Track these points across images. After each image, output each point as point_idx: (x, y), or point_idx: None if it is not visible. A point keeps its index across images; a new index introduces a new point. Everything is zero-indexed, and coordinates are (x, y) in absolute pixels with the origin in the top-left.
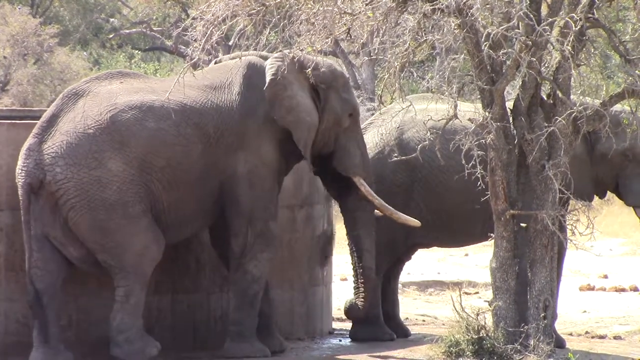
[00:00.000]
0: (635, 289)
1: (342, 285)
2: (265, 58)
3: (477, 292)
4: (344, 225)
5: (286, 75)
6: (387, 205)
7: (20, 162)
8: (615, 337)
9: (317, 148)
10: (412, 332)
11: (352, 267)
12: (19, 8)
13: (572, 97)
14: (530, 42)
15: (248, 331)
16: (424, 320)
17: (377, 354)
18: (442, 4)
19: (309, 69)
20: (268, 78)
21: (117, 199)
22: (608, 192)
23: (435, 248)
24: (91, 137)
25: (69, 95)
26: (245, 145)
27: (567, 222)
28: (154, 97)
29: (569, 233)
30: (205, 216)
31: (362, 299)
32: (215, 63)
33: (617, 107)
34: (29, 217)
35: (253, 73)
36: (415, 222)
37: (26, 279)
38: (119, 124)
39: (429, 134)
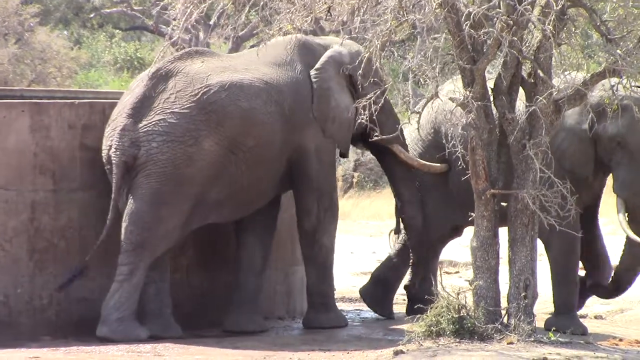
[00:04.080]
0: None
1: None
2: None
3: (457, 272)
4: None
5: (330, 84)
6: (426, 163)
7: (114, 142)
8: (596, 317)
9: (357, 132)
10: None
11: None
12: None
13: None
14: (511, 22)
15: (330, 301)
16: (404, 300)
17: (356, 333)
18: None
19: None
20: (315, 93)
21: (192, 175)
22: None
23: None
24: (188, 116)
25: (156, 76)
26: (312, 122)
27: (547, 202)
28: (240, 76)
29: (550, 212)
30: (274, 190)
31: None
32: None
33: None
34: (120, 197)
35: (308, 52)
36: (443, 166)
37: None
38: (215, 104)
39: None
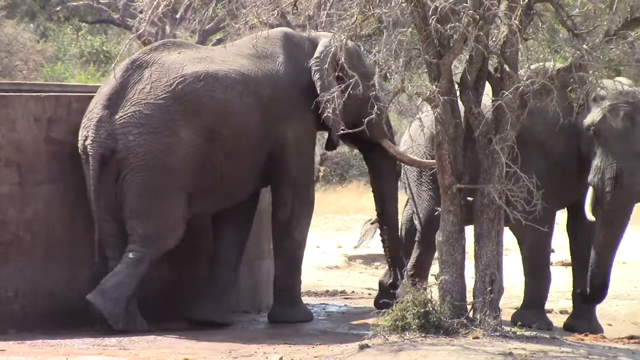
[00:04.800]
0: None
1: None
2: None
3: None
4: None
5: (328, 73)
6: (415, 158)
7: (90, 134)
8: (561, 312)
9: (345, 123)
10: (358, 306)
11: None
12: None
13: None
14: (477, 16)
15: (297, 296)
16: (369, 294)
17: (322, 327)
18: None
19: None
20: (317, 82)
21: (177, 165)
22: None
23: None
24: (163, 107)
25: (132, 67)
26: (293, 114)
27: (513, 197)
28: (216, 67)
29: (516, 207)
30: (254, 183)
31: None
32: None
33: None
34: (100, 187)
35: (291, 44)
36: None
37: (95, 249)
38: (190, 94)
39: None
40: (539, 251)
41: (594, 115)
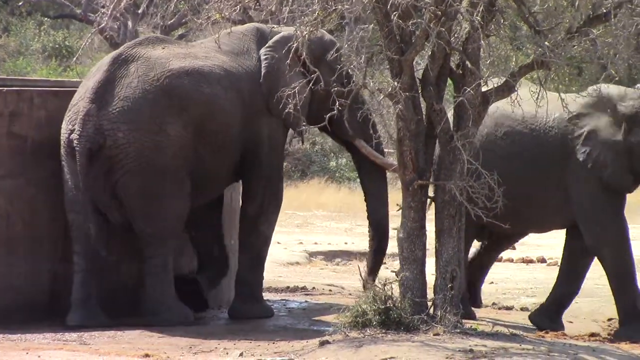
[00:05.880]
0: (542, 261)
1: None
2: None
3: (384, 263)
4: None
5: (279, 64)
6: (389, 161)
7: (77, 128)
8: (522, 309)
9: (313, 119)
10: (319, 302)
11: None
12: None
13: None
14: (439, 13)
15: (258, 292)
16: (330, 290)
17: (283, 323)
18: None
19: (300, 50)
20: (263, 70)
21: (170, 164)
22: None
23: (342, 218)
24: (151, 102)
25: (118, 61)
26: (265, 108)
27: (474, 194)
28: (201, 63)
29: (477, 204)
30: (230, 178)
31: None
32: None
33: None
34: (87, 181)
35: (265, 39)
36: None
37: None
38: (178, 89)
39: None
40: (623, 262)
41: None
